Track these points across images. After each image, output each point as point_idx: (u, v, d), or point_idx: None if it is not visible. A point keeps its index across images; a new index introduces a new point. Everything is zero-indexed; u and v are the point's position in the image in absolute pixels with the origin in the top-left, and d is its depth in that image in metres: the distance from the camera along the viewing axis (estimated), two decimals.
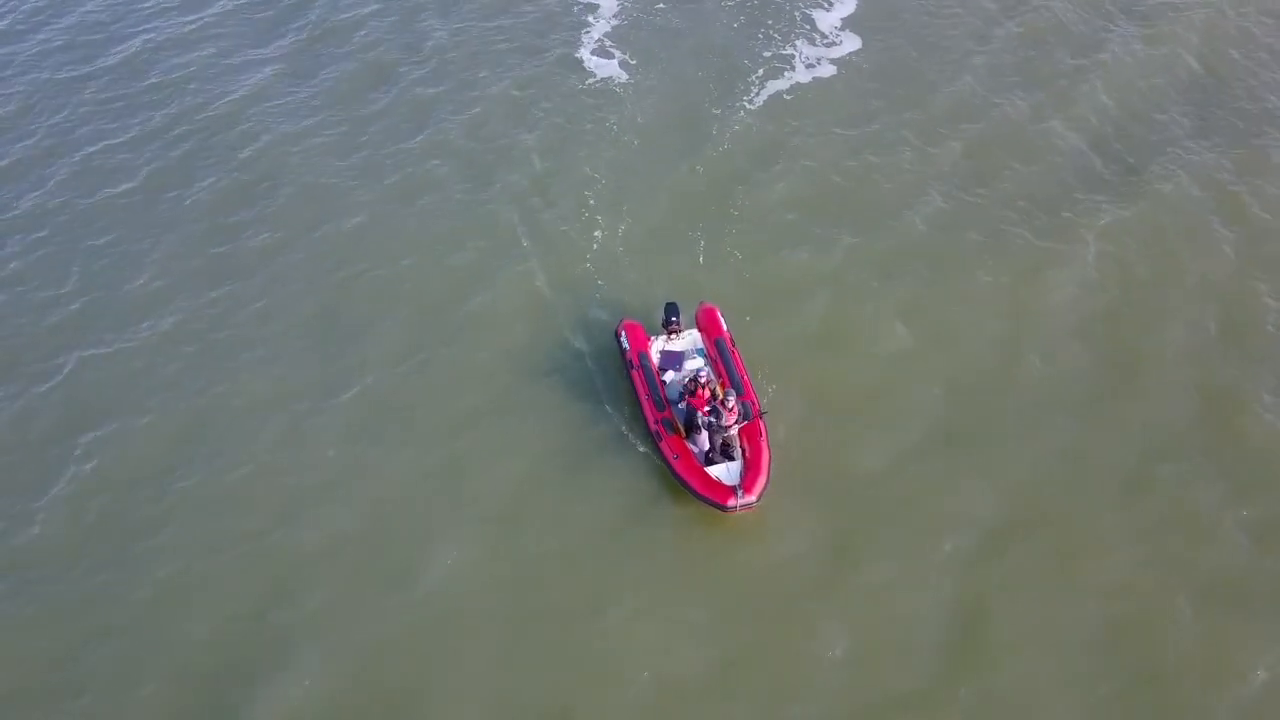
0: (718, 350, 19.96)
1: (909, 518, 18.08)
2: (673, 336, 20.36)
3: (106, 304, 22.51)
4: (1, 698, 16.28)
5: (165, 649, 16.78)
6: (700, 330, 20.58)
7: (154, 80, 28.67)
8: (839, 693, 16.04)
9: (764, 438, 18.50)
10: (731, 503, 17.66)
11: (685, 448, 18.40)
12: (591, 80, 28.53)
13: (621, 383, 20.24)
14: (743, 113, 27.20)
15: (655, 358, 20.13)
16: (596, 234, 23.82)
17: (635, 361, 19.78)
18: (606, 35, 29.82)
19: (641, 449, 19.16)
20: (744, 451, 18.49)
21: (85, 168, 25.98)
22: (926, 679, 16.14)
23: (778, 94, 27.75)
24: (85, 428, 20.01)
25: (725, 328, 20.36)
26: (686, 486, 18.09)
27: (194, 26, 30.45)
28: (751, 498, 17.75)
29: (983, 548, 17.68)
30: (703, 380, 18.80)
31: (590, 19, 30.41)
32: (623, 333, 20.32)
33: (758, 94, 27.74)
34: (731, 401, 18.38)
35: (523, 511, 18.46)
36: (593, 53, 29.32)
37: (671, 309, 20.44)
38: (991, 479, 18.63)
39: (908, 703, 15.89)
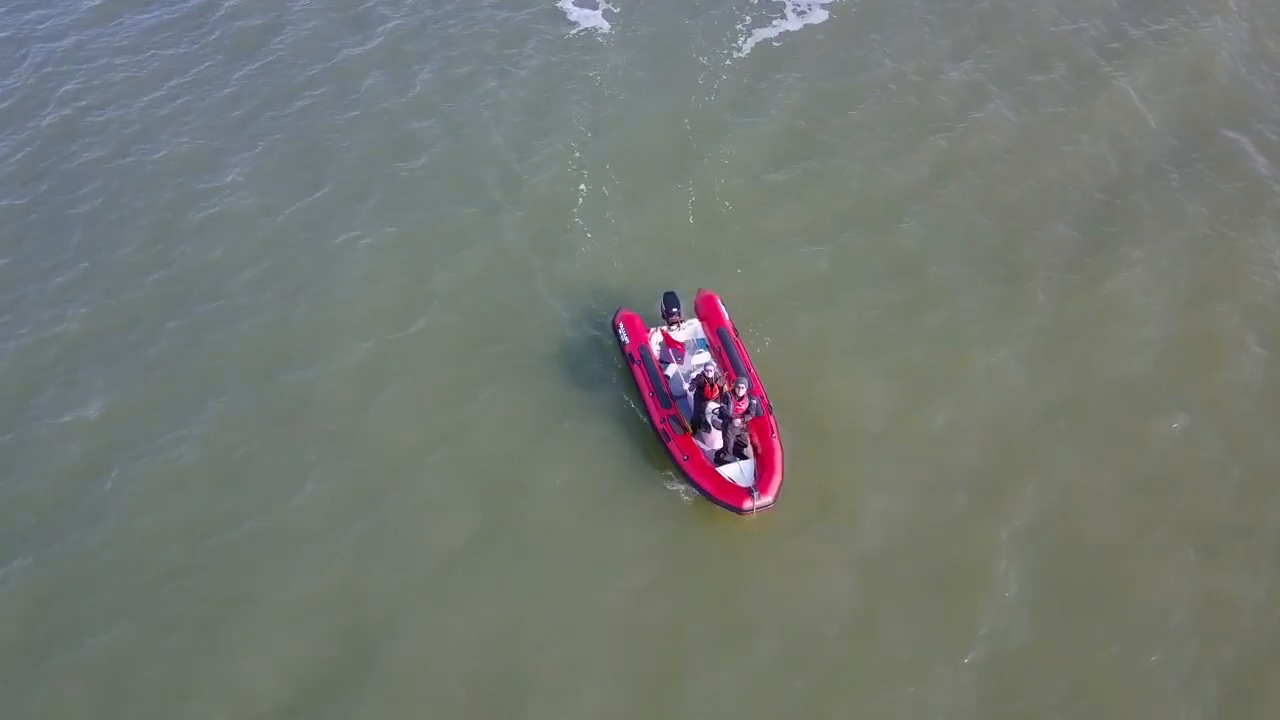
0: (721, 341, 19.21)
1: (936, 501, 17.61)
2: (673, 327, 19.61)
3: (102, 272, 21.86)
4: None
5: (171, 643, 16.27)
6: (701, 319, 19.74)
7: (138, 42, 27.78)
8: (851, 667, 15.78)
9: (775, 433, 17.86)
10: (748, 505, 17.01)
11: (695, 448, 17.76)
12: (575, 31, 27.46)
13: (609, 359, 19.67)
14: (730, 62, 26.11)
15: (655, 349, 19.37)
16: (582, 187, 23.04)
17: (636, 355, 18.97)
18: None
19: (640, 436, 18.54)
20: (755, 449, 17.91)
21: (72, 128, 25.32)
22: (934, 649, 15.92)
23: (766, 41, 26.63)
24: (86, 410, 19.43)
25: (727, 316, 19.55)
26: (699, 489, 17.44)
27: None
28: (768, 499, 17.11)
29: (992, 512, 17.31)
30: (711, 376, 18.09)
31: None
32: (621, 324, 19.48)
33: (745, 42, 26.61)
34: (742, 391, 17.73)
35: (525, 510, 17.84)
36: (575, 3, 28.11)
37: (671, 299, 19.56)
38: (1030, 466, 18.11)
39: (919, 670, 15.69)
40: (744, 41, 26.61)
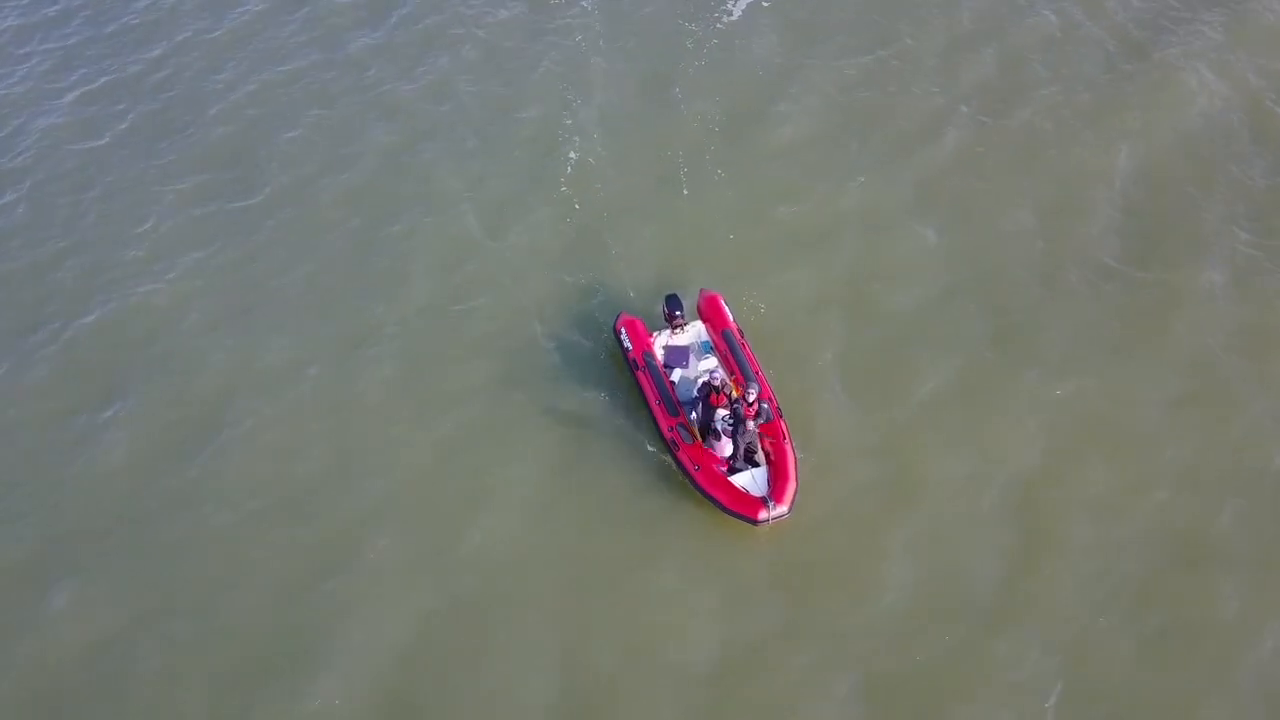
0: (726, 344, 18.66)
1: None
2: (676, 331, 19.06)
3: (108, 262, 21.63)
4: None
5: (197, 638, 16.21)
6: (704, 321, 19.18)
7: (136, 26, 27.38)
8: (882, 646, 15.60)
9: (787, 439, 17.41)
10: (763, 515, 16.58)
11: (705, 456, 17.32)
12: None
13: (612, 359, 19.23)
14: (721, 25, 25.23)
15: (659, 354, 18.84)
16: (571, 155, 22.52)
17: (640, 362, 18.46)
18: None
19: (650, 447, 18.05)
20: (767, 455, 17.47)
21: (70, 118, 24.92)
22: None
23: (756, 1, 25.68)
24: (92, 401, 19.29)
25: (731, 317, 18.97)
26: (711, 500, 17.02)
27: None
28: (783, 508, 16.68)
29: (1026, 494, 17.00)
30: (716, 383, 17.63)
31: None
32: (622, 329, 18.91)
33: (736, 5, 25.68)
34: (752, 396, 17.27)
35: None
36: None
37: (674, 301, 18.99)
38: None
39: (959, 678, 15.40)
40: (734, 4, 25.66)
